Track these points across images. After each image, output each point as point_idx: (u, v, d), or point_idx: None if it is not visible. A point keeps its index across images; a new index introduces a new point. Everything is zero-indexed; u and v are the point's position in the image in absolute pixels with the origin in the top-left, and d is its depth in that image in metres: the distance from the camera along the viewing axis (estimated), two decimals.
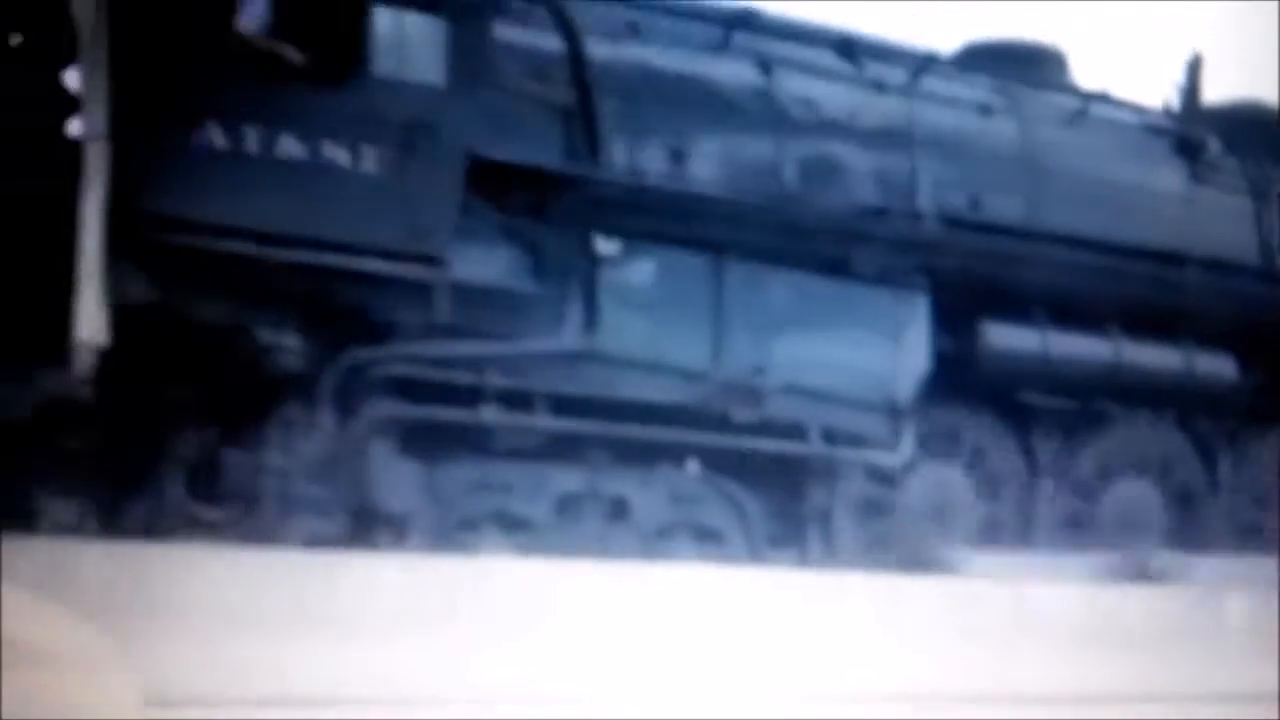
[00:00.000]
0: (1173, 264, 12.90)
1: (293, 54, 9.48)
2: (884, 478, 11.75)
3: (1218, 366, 13.15)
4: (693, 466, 11.10)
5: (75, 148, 9.02)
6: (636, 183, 10.60)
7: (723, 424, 10.93)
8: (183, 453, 9.30)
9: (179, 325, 9.26)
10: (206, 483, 9.35)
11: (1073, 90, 13.35)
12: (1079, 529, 12.76)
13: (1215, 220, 13.43)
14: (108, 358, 8.98)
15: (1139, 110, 13.68)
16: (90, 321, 8.88)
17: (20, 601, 5.69)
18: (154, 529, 9.08)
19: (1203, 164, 13.59)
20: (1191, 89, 14.01)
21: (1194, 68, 14.06)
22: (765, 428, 11.11)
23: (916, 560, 11.52)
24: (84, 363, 8.90)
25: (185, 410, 9.30)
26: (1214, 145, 13.76)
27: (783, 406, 11.14)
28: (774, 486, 11.43)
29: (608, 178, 10.49)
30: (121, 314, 9.01)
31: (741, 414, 10.95)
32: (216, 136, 9.17)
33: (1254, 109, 14.47)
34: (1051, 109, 12.92)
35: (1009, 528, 12.38)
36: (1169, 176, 13.38)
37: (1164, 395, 12.99)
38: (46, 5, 9.10)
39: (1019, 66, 13.26)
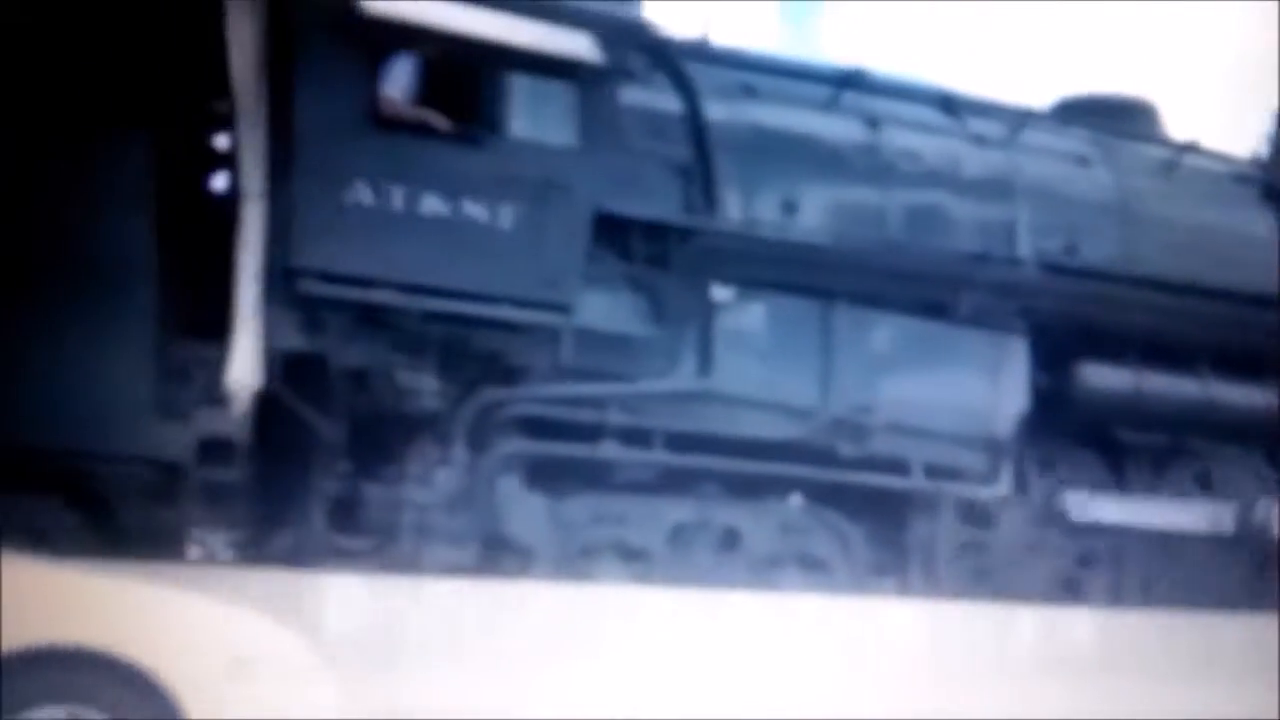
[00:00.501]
0: (1260, 306, 13.26)
1: (436, 119, 10.07)
2: (984, 510, 12.17)
3: None
4: (797, 500, 11.59)
5: (229, 204, 9.62)
6: (750, 233, 11.13)
7: (829, 459, 11.42)
8: (327, 488, 9.85)
9: (326, 369, 9.83)
10: (349, 515, 9.90)
11: (1164, 141, 13.74)
12: None
13: None
14: (261, 400, 9.60)
15: (1228, 160, 14.06)
16: (246, 367, 9.53)
17: (246, 621, 6.33)
18: (299, 559, 9.68)
19: None
20: (1278, 139, 14.36)
21: None
22: (869, 463, 11.59)
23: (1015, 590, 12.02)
24: (240, 405, 9.52)
25: (330, 448, 9.86)
26: None
27: (886, 443, 11.62)
28: (877, 517, 11.90)
29: (723, 229, 11.01)
30: (274, 359, 9.61)
31: (847, 449, 11.44)
32: (365, 195, 9.76)
33: None
34: (1144, 159, 13.35)
35: (1103, 559, 12.77)
36: (1257, 223, 13.75)
37: (1251, 432, 13.33)
38: (209, 74, 9.71)
39: (1112, 119, 13.68)
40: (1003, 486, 12.16)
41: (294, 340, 9.76)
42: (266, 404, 9.70)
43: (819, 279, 11.46)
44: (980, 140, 12.47)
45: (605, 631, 10.16)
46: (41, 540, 8.97)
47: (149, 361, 9.30)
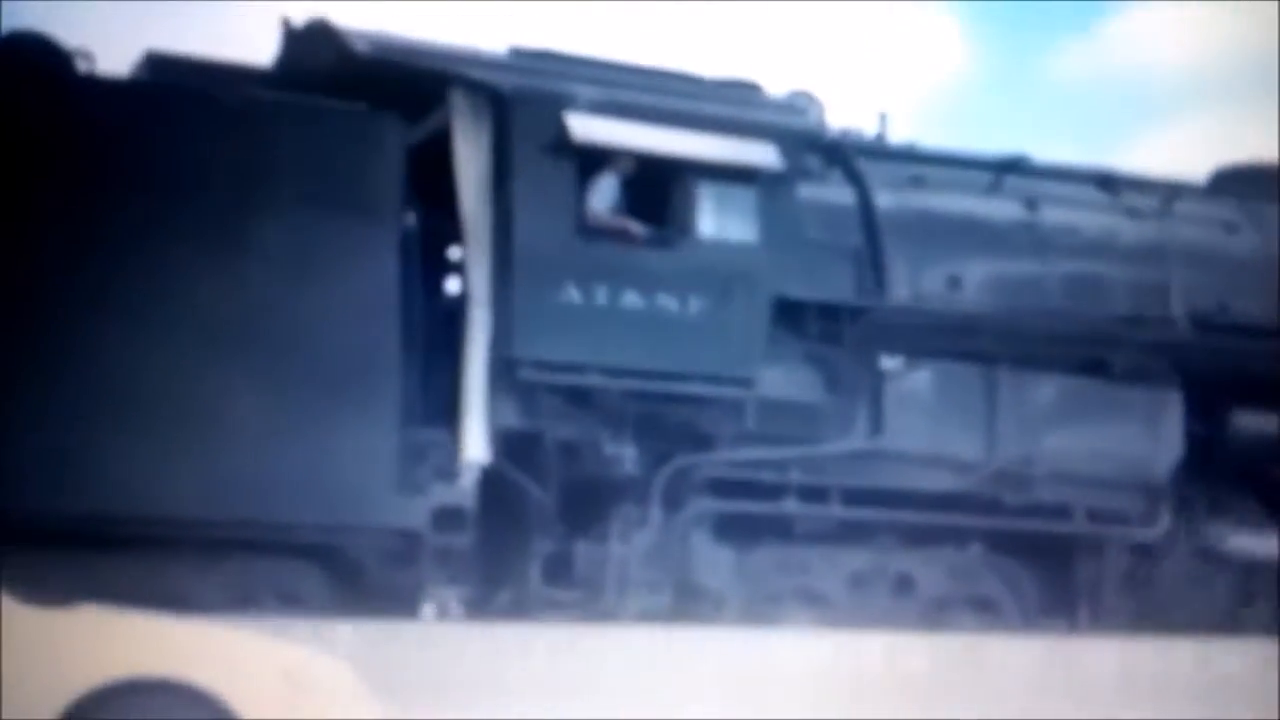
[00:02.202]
0: None
1: (635, 226, 11.23)
2: (1146, 551, 12.92)
3: None
4: (975, 549, 12.46)
5: (458, 306, 10.87)
6: (915, 308, 12.05)
7: (995, 508, 12.28)
8: (542, 547, 11.05)
9: (541, 444, 11.04)
10: (560, 571, 11.07)
11: None
12: None
13: None
14: (485, 473, 10.84)
15: None
16: (475, 444, 10.79)
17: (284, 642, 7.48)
18: (518, 611, 10.89)
19: None
20: None
21: None
22: (1034, 510, 12.42)
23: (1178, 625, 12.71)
24: (469, 479, 10.77)
25: (544, 512, 11.06)
26: None
27: (1050, 490, 12.43)
28: (1046, 561, 12.72)
29: (890, 306, 11.97)
30: (497, 437, 10.85)
31: (1012, 498, 12.28)
32: (573, 295, 10.95)
33: None
34: None
35: (1262, 593, 13.38)
36: None
37: None
38: (445, 203, 10.97)
39: (1266, 185, 14.29)
40: (1162, 528, 12.82)
41: (514, 420, 10.95)
42: (490, 476, 10.88)
43: (981, 345, 12.35)
44: (1134, 213, 13.22)
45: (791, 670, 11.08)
46: (295, 601, 10.25)
47: (391, 445, 10.51)
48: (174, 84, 10.78)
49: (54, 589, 8.92)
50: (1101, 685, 12.00)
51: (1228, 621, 13.22)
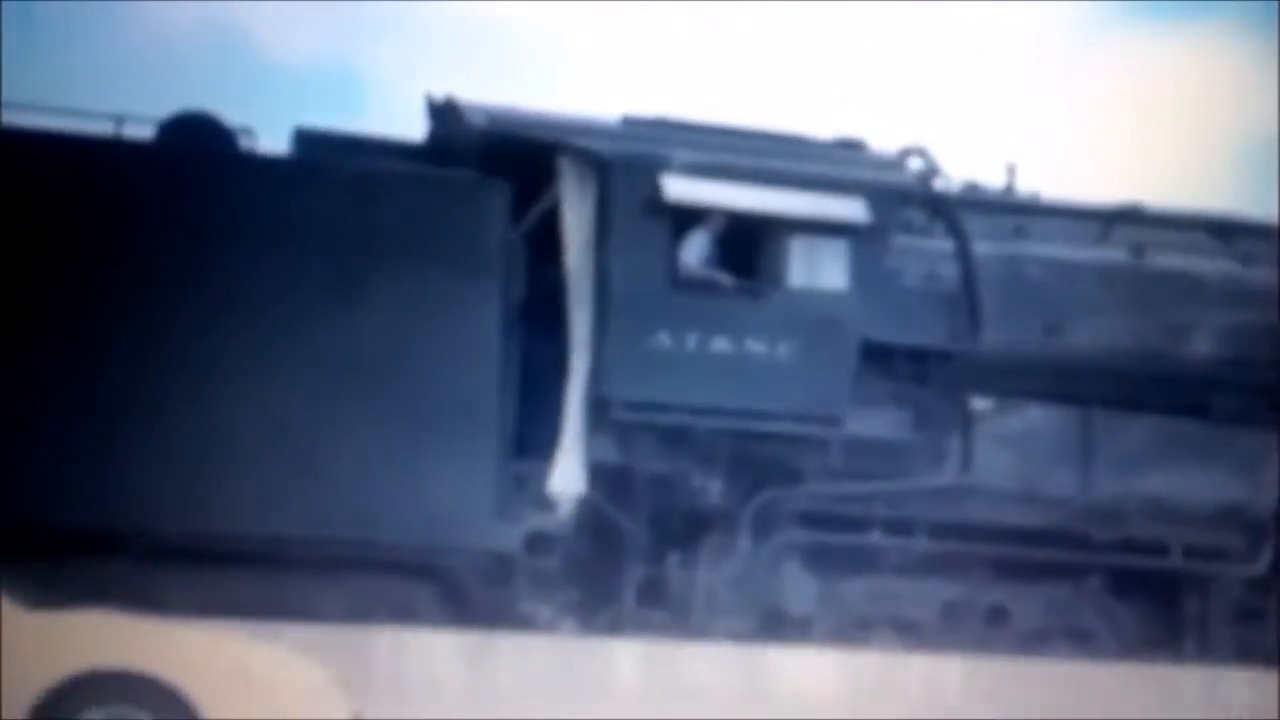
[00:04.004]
0: None
1: (724, 279, 11.95)
2: (1254, 586, 13.03)
3: None
4: (1072, 582, 12.74)
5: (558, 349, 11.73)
6: (1007, 353, 12.43)
7: (1087, 543, 12.57)
8: (635, 571, 11.82)
9: (634, 478, 11.81)
10: (654, 593, 11.82)
11: None
12: None
13: None
14: (583, 503, 11.67)
15: None
16: (570, 477, 11.65)
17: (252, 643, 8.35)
18: (615, 629, 11.68)
19: None
20: None
21: None
22: (1129, 545, 12.67)
23: None
24: (565, 508, 11.62)
25: (636, 540, 11.83)
26: None
27: (1144, 528, 12.67)
28: (1147, 594, 12.94)
29: (981, 351, 12.37)
30: (592, 471, 11.67)
31: (1103, 534, 12.57)
32: (665, 341, 11.72)
33: None
34: None
35: None
36: None
37: None
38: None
39: None
40: (1263, 564, 12.92)
41: (609, 455, 11.75)
42: (586, 506, 11.71)
43: (1077, 388, 12.63)
44: (1248, 258, 13.32)
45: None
46: (407, 614, 11.25)
47: (489, 475, 11.46)
48: (303, 158, 11.85)
49: (179, 604, 10.21)
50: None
51: None
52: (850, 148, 12.86)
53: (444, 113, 12.28)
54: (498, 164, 11.83)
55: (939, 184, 13.14)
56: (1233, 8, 26.92)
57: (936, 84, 25.33)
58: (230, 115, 11.94)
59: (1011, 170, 13.62)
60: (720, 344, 11.88)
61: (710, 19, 26.50)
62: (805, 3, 23.06)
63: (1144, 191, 14.59)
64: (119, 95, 12.64)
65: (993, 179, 13.69)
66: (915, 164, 13.04)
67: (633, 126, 12.21)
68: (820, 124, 13.43)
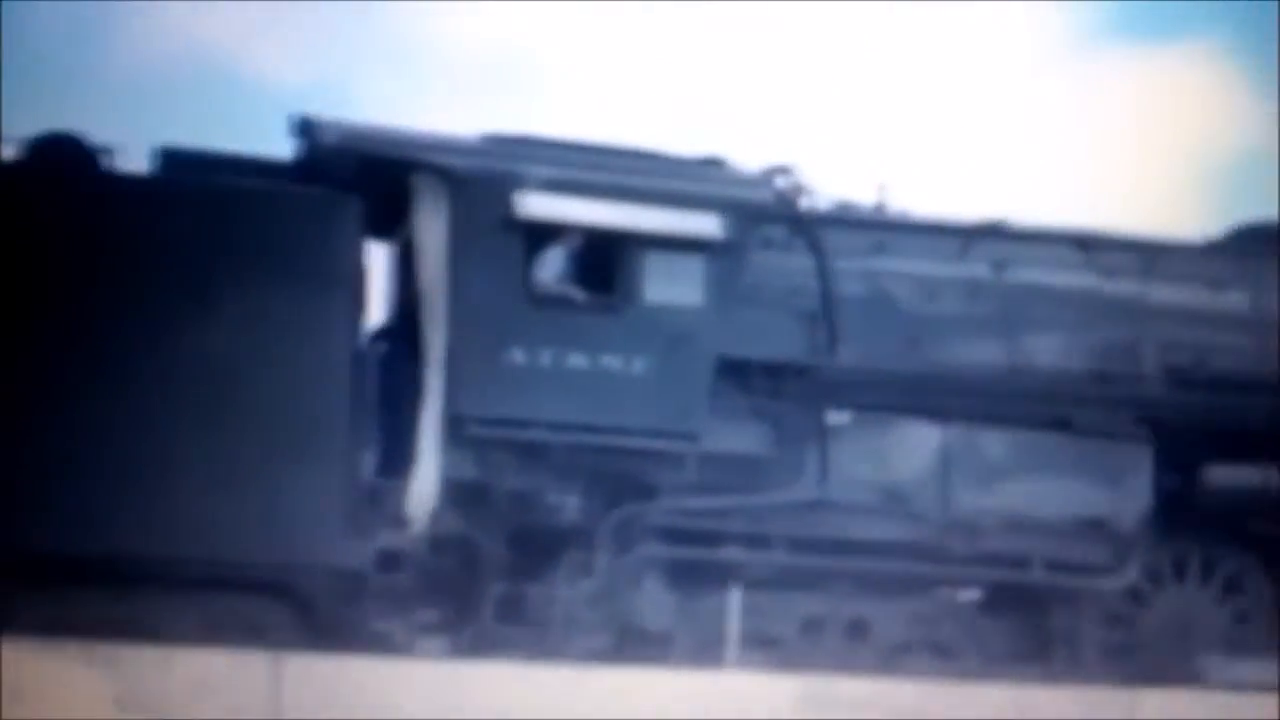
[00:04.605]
0: None
1: (578, 294, 11.91)
2: (1121, 601, 13.01)
3: None
4: (935, 596, 12.71)
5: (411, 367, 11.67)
6: (864, 367, 12.42)
7: (948, 557, 12.54)
8: (493, 589, 11.74)
9: (492, 493, 11.74)
10: (512, 610, 11.75)
11: None
12: None
13: None
14: (436, 519, 11.60)
15: None
16: (423, 494, 11.58)
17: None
18: (471, 649, 11.60)
19: None
20: None
21: None
22: (991, 559, 12.64)
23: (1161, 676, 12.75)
24: (420, 524, 11.55)
25: (496, 556, 11.76)
26: None
27: (1004, 541, 12.64)
28: (1015, 608, 12.91)
29: (838, 365, 12.35)
30: (446, 488, 11.60)
31: (963, 548, 12.54)
32: (519, 356, 11.67)
33: None
34: None
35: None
36: None
37: None
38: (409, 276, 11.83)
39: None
40: (1128, 578, 12.89)
41: (464, 472, 11.68)
42: (442, 523, 11.63)
43: (936, 402, 12.62)
44: (1111, 272, 13.34)
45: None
46: (261, 634, 11.14)
47: (342, 492, 11.37)
48: (161, 177, 11.78)
49: (24, 624, 10.08)
50: None
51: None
52: (712, 165, 12.82)
53: (303, 131, 12.20)
54: (363, 181, 11.74)
55: (806, 201, 13.08)
56: (1216, 29, 27.33)
57: (919, 107, 25.49)
58: (219, 142, 12.19)
59: (882, 189, 13.60)
60: (576, 359, 11.83)
61: (698, 48, 26.69)
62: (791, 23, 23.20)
63: (1124, 210, 14.64)
64: (107, 123, 12.58)
65: (986, 204, 13.72)
66: (781, 181, 12.98)
67: (491, 143, 12.18)
68: (803, 145, 13.38)
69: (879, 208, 13.51)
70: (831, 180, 13.46)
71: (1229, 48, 29.82)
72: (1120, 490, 13.02)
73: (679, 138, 13.95)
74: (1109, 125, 26.39)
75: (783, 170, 13.01)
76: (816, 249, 12.69)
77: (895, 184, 13.79)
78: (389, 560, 11.51)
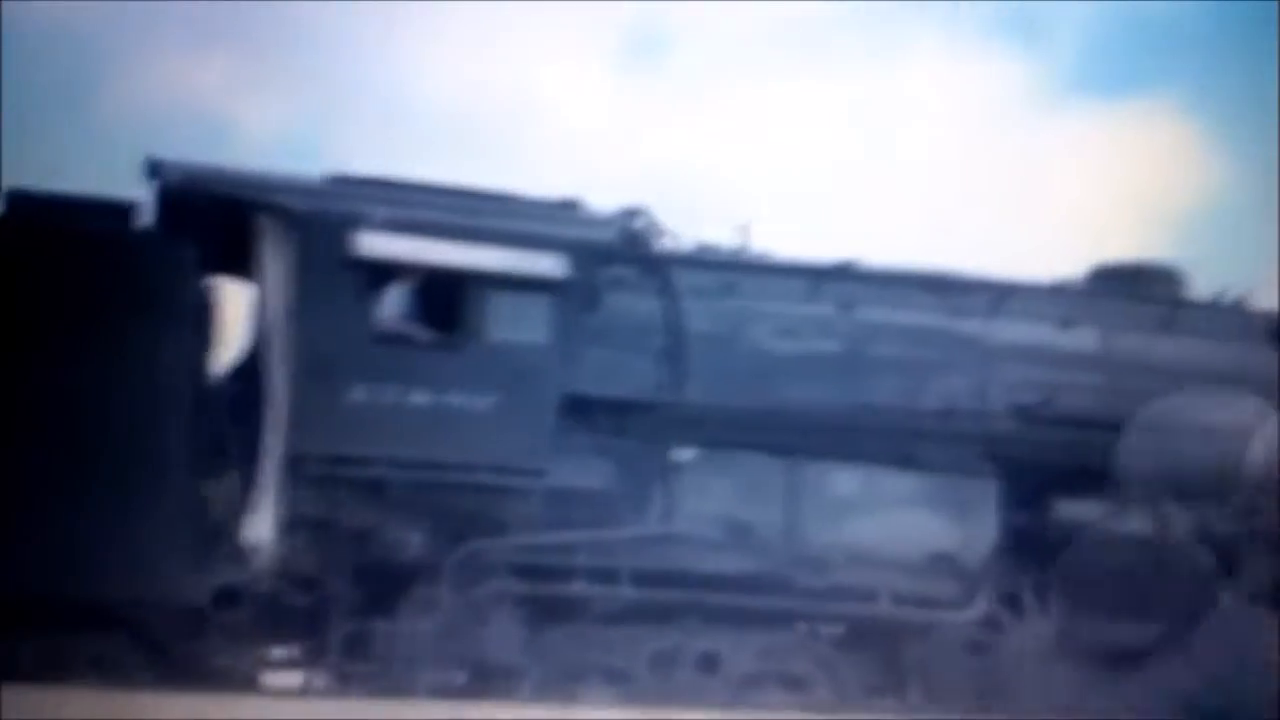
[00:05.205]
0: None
1: (420, 332, 11.98)
2: (974, 634, 13.06)
3: None
4: (788, 629, 12.75)
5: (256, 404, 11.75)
6: (709, 404, 12.50)
7: (794, 590, 12.60)
8: (340, 625, 11.75)
9: (336, 530, 11.77)
10: (359, 647, 11.75)
11: (1171, 300, 14.35)
12: None
13: None
14: (281, 555, 11.61)
15: (1241, 313, 14.54)
16: (264, 531, 11.60)
17: None
18: (319, 686, 11.60)
19: None
20: None
21: None
22: (838, 592, 12.70)
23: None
24: (261, 560, 11.56)
25: (341, 592, 11.77)
26: None
27: (850, 575, 12.71)
28: (870, 641, 12.96)
29: (684, 402, 12.44)
30: (289, 524, 11.62)
31: (808, 580, 12.59)
32: (361, 394, 11.72)
33: None
34: (1140, 317, 14.00)
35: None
36: (1264, 366, 14.16)
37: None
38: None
39: (1135, 283, 14.43)
40: (975, 612, 12.95)
41: (308, 509, 11.71)
42: (285, 560, 11.65)
43: (784, 439, 12.70)
44: (959, 311, 13.47)
45: None
46: (104, 669, 11.17)
47: (182, 528, 11.39)
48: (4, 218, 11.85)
49: None
50: None
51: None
52: (565, 207, 12.94)
53: (152, 172, 12.27)
54: (212, 221, 11.82)
55: (665, 242, 13.21)
56: (1172, 86, 27.76)
57: (888, 161, 25.78)
58: None
59: (744, 230, 13.76)
60: (419, 397, 11.91)
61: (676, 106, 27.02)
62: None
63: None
64: (87, 171, 12.77)
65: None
66: (637, 223, 13.12)
67: (334, 184, 12.29)
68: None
69: (740, 249, 13.63)
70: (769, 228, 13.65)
71: (1186, 104, 30.34)
72: (967, 525, 13.12)
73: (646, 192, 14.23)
74: (1068, 179, 26.79)
75: (637, 212, 13.14)
76: (665, 288, 12.80)
77: (843, 234, 14.04)
78: (233, 597, 11.49)
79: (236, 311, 12.68)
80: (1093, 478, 13.46)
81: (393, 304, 12.16)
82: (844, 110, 27.97)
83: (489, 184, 12.83)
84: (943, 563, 13.06)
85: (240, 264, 12.28)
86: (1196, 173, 28.21)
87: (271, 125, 27.65)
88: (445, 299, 12.19)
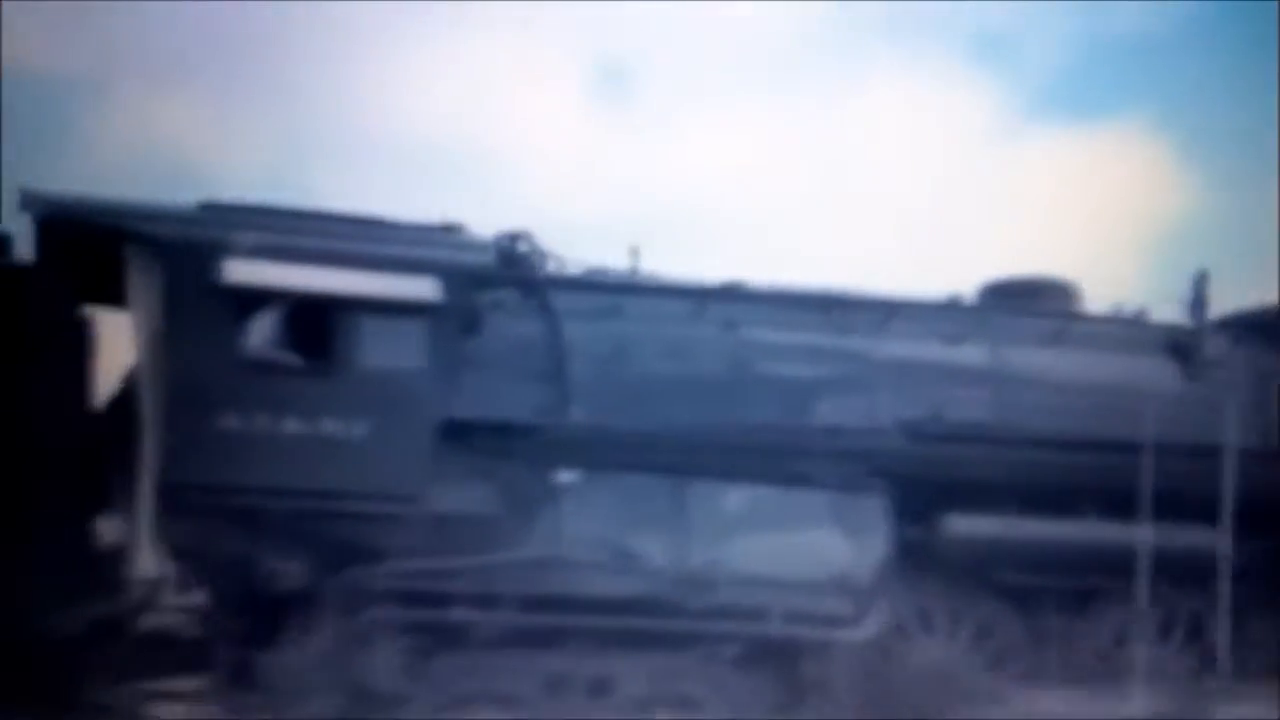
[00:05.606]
0: (1157, 453, 13.57)
1: (291, 359, 11.83)
2: (869, 651, 12.91)
3: (1211, 540, 13.64)
4: (682, 650, 12.59)
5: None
6: (593, 427, 12.37)
7: (683, 611, 12.43)
8: (223, 653, 11.58)
9: (214, 559, 11.58)
10: (242, 675, 11.57)
11: (1062, 313, 14.29)
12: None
13: (1209, 410, 14.03)
14: (157, 586, 11.42)
15: (1137, 325, 14.50)
16: (143, 561, 11.39)
17: None
18: (203, 715, 11.41)
19: (1198, 363, 14.25)
20: (1199, 299, 14.69)
21: (1200, 282, 14.77)
22: (729, 613, 12.53)
23: None
24: (139, 591, 11.37)
25: (222, 621, 11.58)
26: (1214, 346, 14.40)
27: (740, 594, 12.54)
28: (767, 661, 12.80)
29: (566, 425, 12.30)
30: (166, 552, 11.44)
31: (697, 601, 12.42)
32: (233, 422, 11.54)
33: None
34: (1029, 332, 13.94)
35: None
36: (1158, 377, 14.11)
37: (1158, 571, 13.56)
38: None
39: (1029, 298, 14.37)
40: (868, 630, 12.80)
41: (186, 539, 11.52)
42: (165, 590, 11.47)
43: (670, 460, 12.56)
44: (846, 329, 13.38)
45: None
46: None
47: (64, 562, 11.21)
48: None
49: None
50: None
51: None
52: (446, 230, 12.82)
53: (25, 204, 12.13)
54: (86, 252, 11.69)
55: (551, 266, 13.12)
56: (1143, 108, 27.96)
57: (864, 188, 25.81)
58: None
59: (635, 252, 13.66)
60: (292, 425, 11.75)
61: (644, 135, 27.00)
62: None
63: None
64: None
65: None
66: (520, 246, 13.02)
67: (203, 211, 12.14)
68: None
69: (632, 271, 13.54)
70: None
71: (1155, 124, 30.65)
72: (859, 542, 12.97)
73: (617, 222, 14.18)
74: (1042, 200, 26.93)
75: (519, 236, 13.05)
76: (546, 311, 12.68)
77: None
78: (114, 630, 11.31)
79: (117, 342, 12.53)
80: (982, 491, 13.36)
81: (264, 331, 11.99)
82: (814, 136, 28.11)
83: (455, 214, 12.84)
84: (835, 580, 12.88)
85: (118, 294, 12.12)
86: (1167, 191, 28.42)
87: (240, 163, 27.68)
88: (317, 325, 12.04)
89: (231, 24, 24.52)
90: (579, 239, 13.95)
